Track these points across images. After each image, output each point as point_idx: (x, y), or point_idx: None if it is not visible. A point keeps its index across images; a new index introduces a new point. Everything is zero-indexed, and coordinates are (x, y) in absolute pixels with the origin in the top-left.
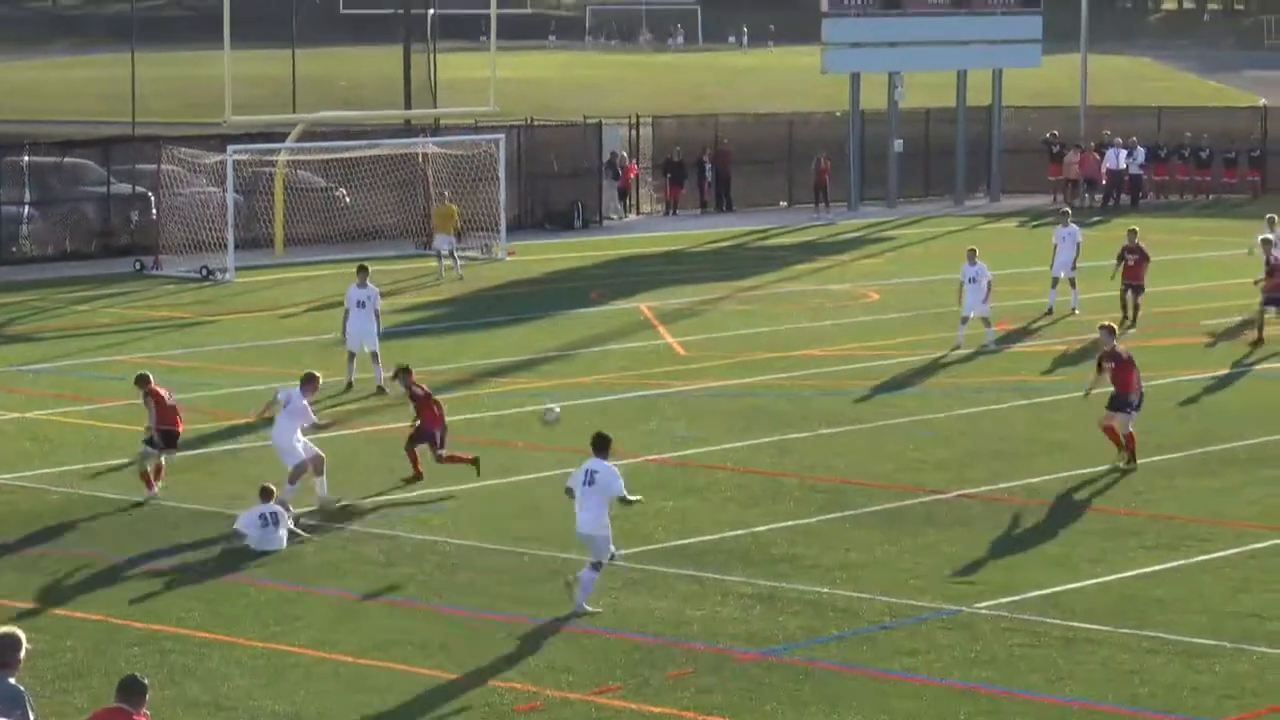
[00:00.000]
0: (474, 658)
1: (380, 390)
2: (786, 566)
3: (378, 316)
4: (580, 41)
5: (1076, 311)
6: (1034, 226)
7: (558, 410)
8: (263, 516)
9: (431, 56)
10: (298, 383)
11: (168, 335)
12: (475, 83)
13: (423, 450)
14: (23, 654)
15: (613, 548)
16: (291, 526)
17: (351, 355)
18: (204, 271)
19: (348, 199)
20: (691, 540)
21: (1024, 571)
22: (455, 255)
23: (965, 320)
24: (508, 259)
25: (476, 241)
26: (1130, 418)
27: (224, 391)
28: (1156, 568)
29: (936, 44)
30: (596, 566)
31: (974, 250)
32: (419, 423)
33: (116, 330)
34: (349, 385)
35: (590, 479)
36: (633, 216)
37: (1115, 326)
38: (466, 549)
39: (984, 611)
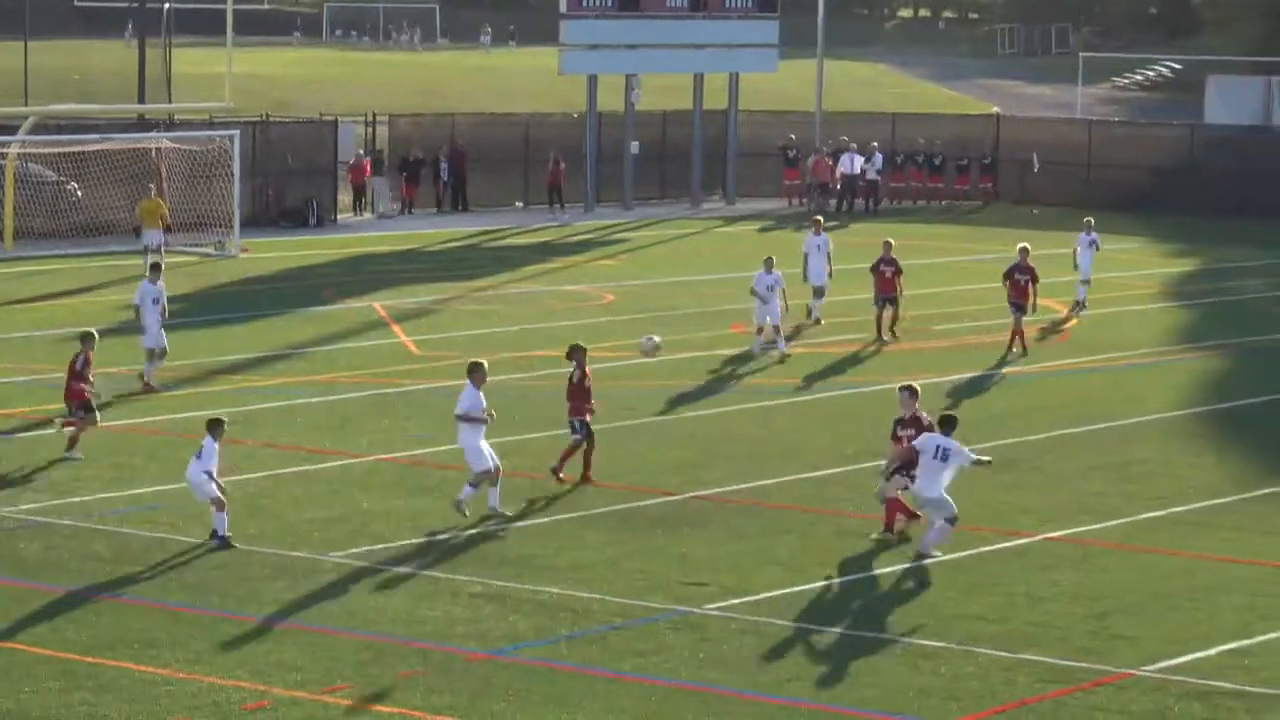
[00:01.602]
0: (202, 656)
1: (148, 388)
2: (518, 567)
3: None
4: (322, 39)
5: (820, 321)
6: (783, 229)
7: (658, 340)
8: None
9: (166, 51)
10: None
11: None
12: (212, 78)
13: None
14: None
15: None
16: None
17: (151, 352)
18: None
19: (80, 193)
20: (424, 540)
21: (754, 573)
22: (161, 251)
23: (774, 329)
24: (241, 256)
25: (210, 237)
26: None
27: None
28: (886, 570)
29: (674, 47)
30: (951, 520)
31: (770, 259)
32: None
33: None
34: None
35: (943, 455)
36: (367, 215)
37: (918, 388)
38: (193, 546)
39: (714, 613)
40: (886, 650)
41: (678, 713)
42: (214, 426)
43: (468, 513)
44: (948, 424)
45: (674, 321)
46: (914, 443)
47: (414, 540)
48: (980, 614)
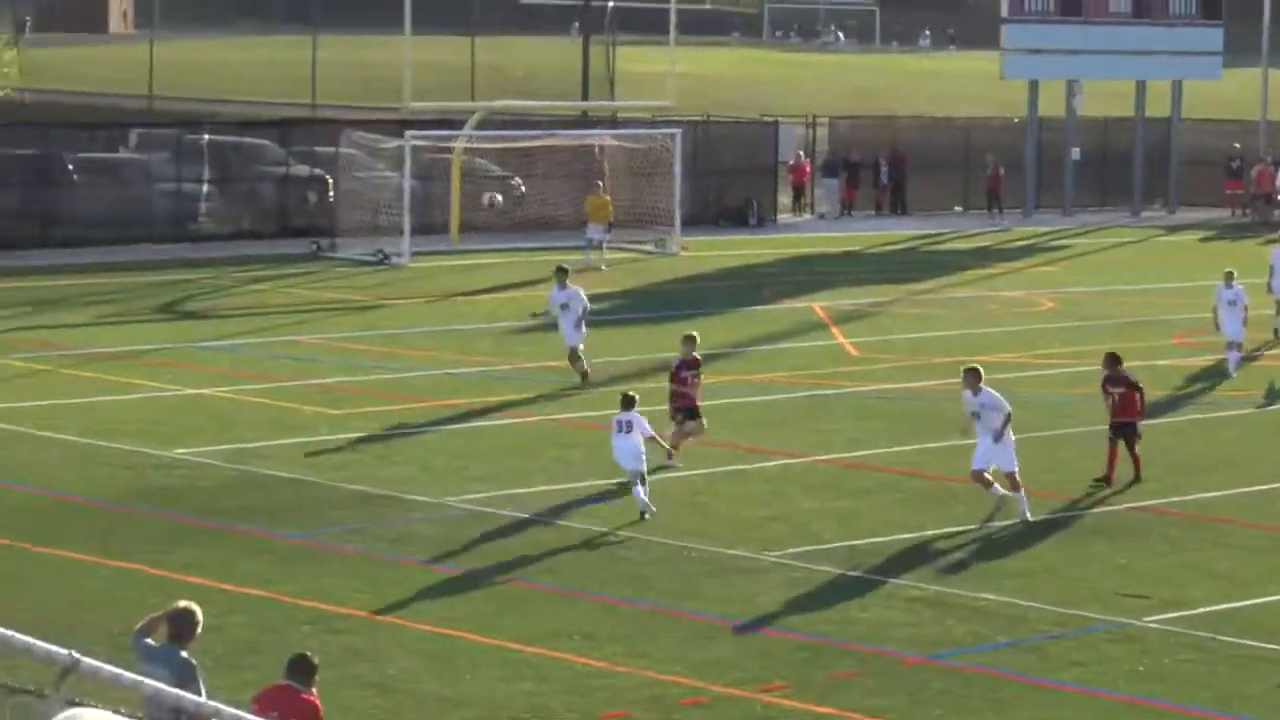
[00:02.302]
0: (638, 650)
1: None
2: (954, 571)
3: (582, 315)
4: (761, 39)
5: None
6: (1224, 239)
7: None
8: (618, 424)
9: (610, 49)
10: None
11: (343, 317)
12: (652, 77)
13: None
14: (199, 629)
15: None
16: (650, 434)
17: (571, 351)
18: (380, 255)
19: (524, 188)
20: (859, 541)
21: (1193, 586)
22: (603, 247)
23: (1231, 345)
24: (681, 254)
25: (650, 235)
26: None
27: (398, 375)
28: None
29: (1116, 53)
30: None
31: (1231, 272)
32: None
33: (292, 310)
34: (585, 376)
35: None
36: (806, 216)
37: None
38: (632, 541)
39: (1154, 625)
40: None
41: None
42: (631, 403)
43: (1019, 515)
44: None
45: (1113, 330)
46: None
47: (851, 542)
48: None
